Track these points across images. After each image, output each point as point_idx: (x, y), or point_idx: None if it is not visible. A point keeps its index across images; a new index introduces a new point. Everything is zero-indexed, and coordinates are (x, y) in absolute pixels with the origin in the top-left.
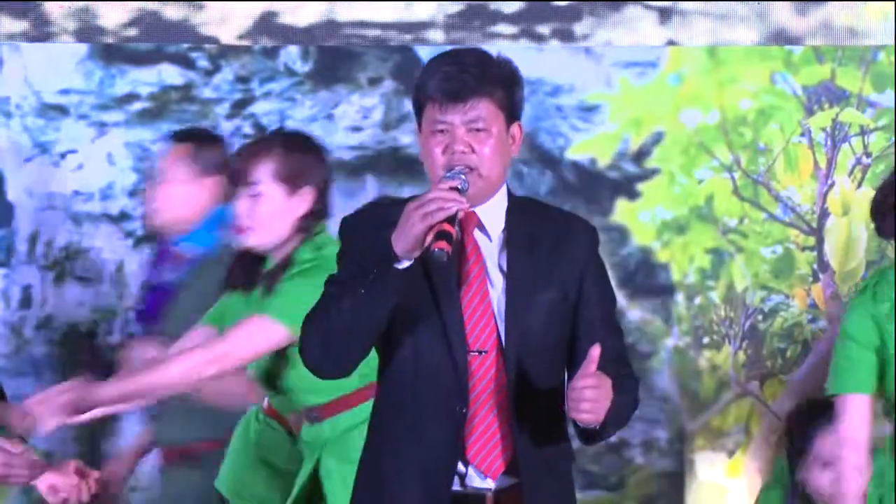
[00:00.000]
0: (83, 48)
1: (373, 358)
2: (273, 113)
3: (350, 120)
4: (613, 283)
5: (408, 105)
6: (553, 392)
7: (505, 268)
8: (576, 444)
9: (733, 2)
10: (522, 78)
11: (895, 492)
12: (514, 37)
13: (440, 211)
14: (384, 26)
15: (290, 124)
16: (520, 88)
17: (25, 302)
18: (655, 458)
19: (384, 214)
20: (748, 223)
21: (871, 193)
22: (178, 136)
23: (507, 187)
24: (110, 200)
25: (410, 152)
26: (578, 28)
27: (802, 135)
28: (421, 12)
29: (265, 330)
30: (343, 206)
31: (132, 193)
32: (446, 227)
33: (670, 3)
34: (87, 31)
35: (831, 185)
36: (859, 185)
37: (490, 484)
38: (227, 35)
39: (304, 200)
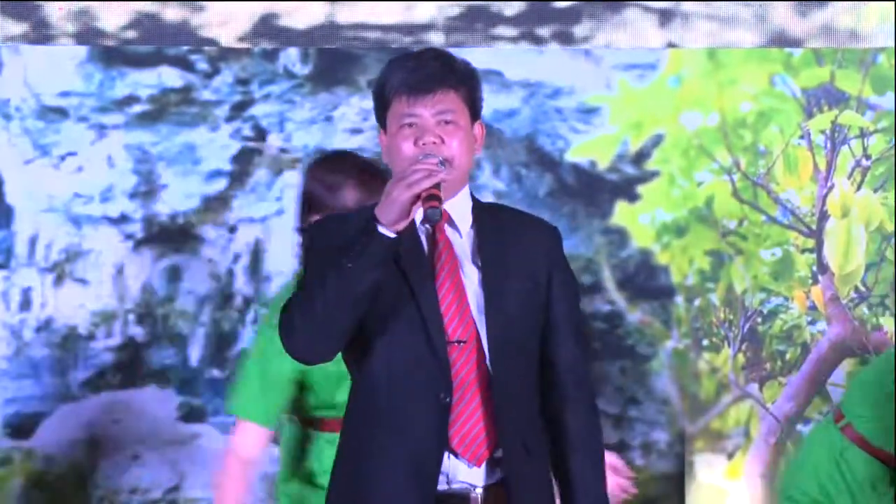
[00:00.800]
0: (83, 50)
1: None
2: (273, 115)
3: (350, 122)
4: (613, 285)
5: None
6: (530, 382)
7: (479, 261)
8: None
9: (733, 3)
10: (480, 80)
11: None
12: (514, 39)
13: (426, 179)
14: (384, 28)
15: (290, 127)
16: (480, 87)
17: (25, 304)
18: (655, 459)
19: (350, 219)
20: (748, 225)
21: (871, 196)
22: None
23: (469, 189)
24: (110, 203)
25: None
26: (578, 30)
27: (802, 137)
28: (421, 15)
29: None
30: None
31: (132, 196)
32: (434, 190)
33: (670, 5)
34: (87, 34)
35: (831, 188)
36: (859, 187)
37: (476, 475)
38: (227, 37)
39: None
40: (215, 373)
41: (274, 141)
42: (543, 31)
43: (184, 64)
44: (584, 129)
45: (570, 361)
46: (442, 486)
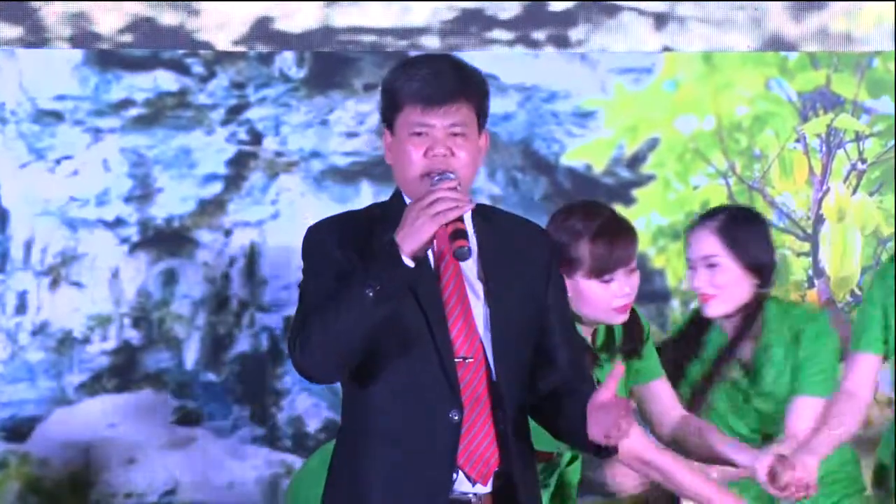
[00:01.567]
0: (78, 54)
1: None
2: (268, 119)
3: (345, 126)
4: None
5: None
6: (526, 398)
7: (482, 274)
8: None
9: (729, 7)
10: (489, 89)
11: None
12: (509, 43)
13: (452, 210)
14: (380, 32)
15: (286, 130)
16: (489, 97)
17: (21, 308)
18: None
19: (348, 224)
20: None
21: (867, 199)
22: None
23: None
24: (106, 206)
25: None
26: (574, 34)
27: (797, 141)
28: (417, 18)
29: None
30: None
31: (128, 199)
32: (460, 225)
33: (666, 9)
34: (83, 37)
35: (826, 191)
36: (854, 191)
37: (479, 487)
38: (223, 41)
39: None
40: (211, 376)
41: (269, 144)
42: (539, 35)
43: (179, 67)
44: (579, 133)
45: (571, 358)
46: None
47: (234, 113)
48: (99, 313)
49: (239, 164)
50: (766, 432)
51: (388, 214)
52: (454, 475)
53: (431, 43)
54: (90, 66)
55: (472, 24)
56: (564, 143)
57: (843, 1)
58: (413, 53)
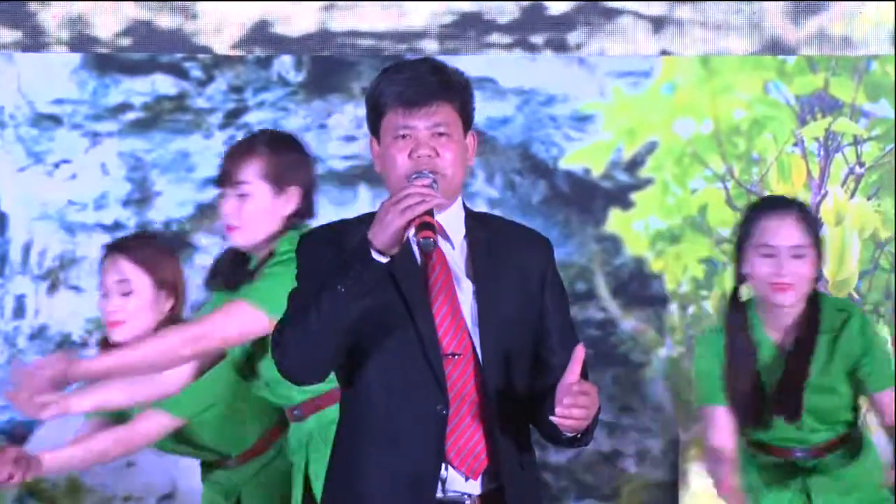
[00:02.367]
0: (77, 58)
1: None
2: (266, 122)
3: (343, 129)
4: (606, 292)
5: None
6: (523, 397)
7: (472, 273)
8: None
9: (727, 11)
10: (473, 91)
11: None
12: (507, 46)
13: (420, 204)
14: (378, 36)
15: None
16: (473, 98)
17: (19, 311)
18: (649, 467)
19: (341, 232)
20: None
21: (864, 203)
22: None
23: (461, 199)
24: (104, 210)
25: None
26: (572, 38)
27: (796, 144)
28: (415, 22)
29: (243, 314)
30: (336, 215)
31: (126, 203)
32: (427, 218)
33: (664, 12)
34: (81, 41)
35: (824, 195)
36: (852, 194)
37: (472, 486)
38: (221, 45)
39: (290, 200)
40: None
41: None
42: (537, 39)
43: (178, 71)
44: (577, 137)
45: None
46: (437, 494)
47: (233, 117)
48: (97, 317)
49: None
50: (823, 430)
51: None
52: (443, 469)
53: (429, 46)
54: (88, 70)
55: (471, 27)
56: (563, 147)
57: (842, 1)
58: (411, 57)
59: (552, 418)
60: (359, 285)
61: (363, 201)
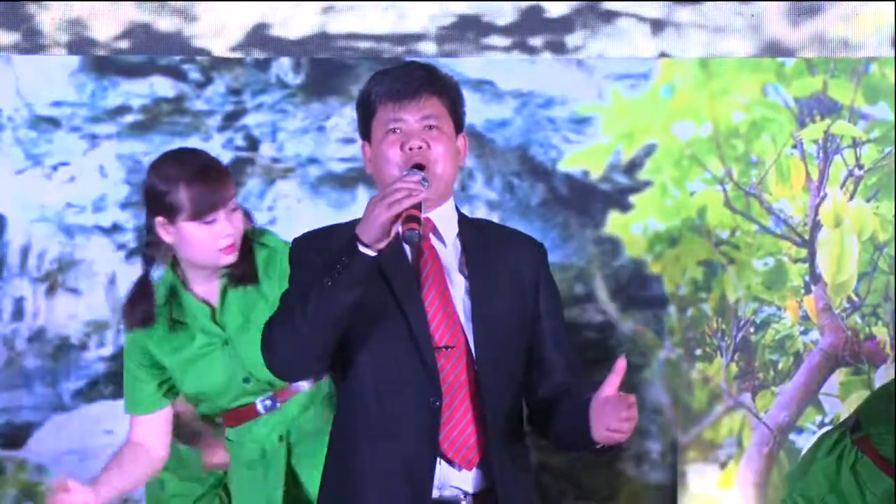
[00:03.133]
0: (75, 60)
1: None
2: (265, 125)
3: (342, 132)
4: (605, 294)
5: None
6: (516, 392)
7: (465, 271)
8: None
9: (726, 13)
10: (463, 94)
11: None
12: (506, 48)
13: (407, 198)
14: (376, 38)
15: (282, 136)
16: (463, 101)
17: (17, 314)
18: (647, 470)
19: (333, 234)
20: (740, 235)
21: (863, 205)
22: None
23: (454, 201)
24: (102, 212)
25: None
26: (570, 40)
27: (794, 147)
28: (413, 24)
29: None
30: (335, 218)
31: (124, 206)
32: (413, 211)
33: (662, 15)
34: (79, 43)
35: (823, 198)
36: (851, 197)
37: (466, 480)
38: (219, 47)
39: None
40: None
41: (266, 151)
42: (536, 41)
43: (176, 74)
44: (576, 139)
45: (567, 362)
46: (433, 493)
47: (231, 119)
48: (96, 319)
49: (236, 171)
50: None
51: None
52: (437, 460)
53: (428, 49)
54: (87, 73)
55: (469, 30)
56: (561, 149)
57: (841, 1)
58: (410, 59)
59: (599, 435)
60: (345, 278)
61: (362, 203)
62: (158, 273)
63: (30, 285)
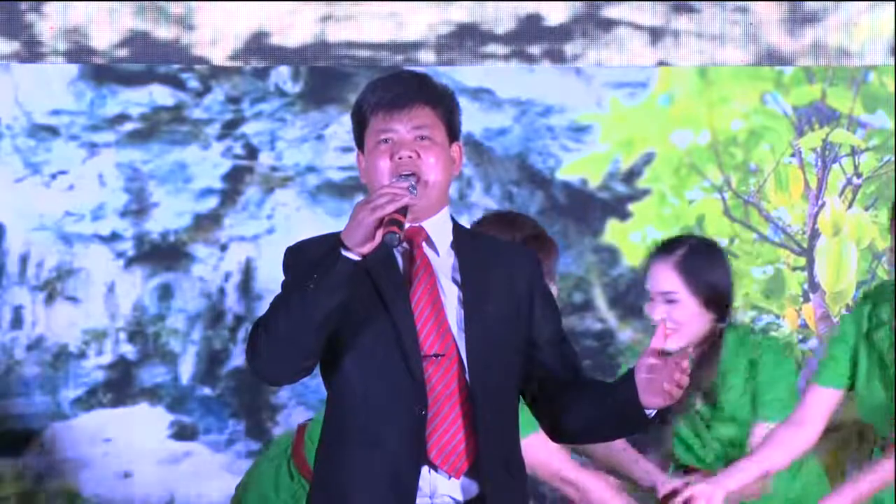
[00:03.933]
0: (74, 69)
1: None
2: (264, 133)
3: (340, 140)
4: (604, 303)
5: None
6: (510, 404)
7: (458, 279)
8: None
9: (725, 18)
10: (458, 103)
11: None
12: (505, 57)
13: (390, 203)
14: (375, 47)
15: (281, 145)
16: (458, 109)
17: (16, 322)
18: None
19: (326, 243)
20: (739, 244)
21: (862, 214)
22: None
23: (449, 211)
24: (101, 221)
25: None
26: (569, 48)
27: (793, 155)
28: (412, 33)
29: None
30: (334, 226)
31: (123, 214)
32: (397, 216)
33: (661, 23)
34: (78, 52)
35: (822, 206)
36: (850, 205)
37: (455, 488)
38: (218, 56)
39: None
40: (206, 391)
41: (265, 159)
42: (534, 49)
43: (175, 82)
44: (575, 148)
45: (571, 363)
46: (423, 502)
47: (230, 127)
48: (94, 328)
49: (234, 179)
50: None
51: None
52: (427, 470)
53: (427, 58)
54: (86, 81)
55: (468, 38)
56: (560, 158)
57: (842, 1)
58: (408, 68)
59: (651, 400)
60: (327, 282)
61: None
62: None
63: (29, 294)
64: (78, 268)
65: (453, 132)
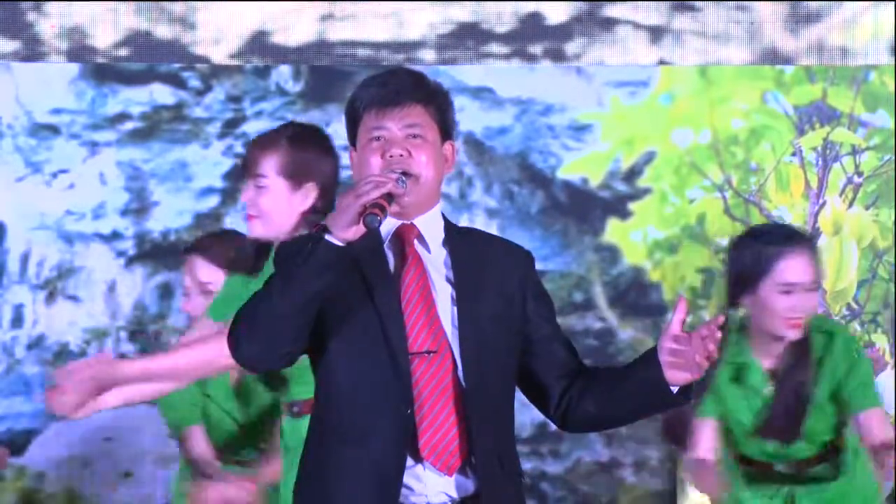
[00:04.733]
0: (75, 68)
1: None
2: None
3: (341, 139)
4: (604, 302)
5: None
6: (504, 401)
7: (451, 277)
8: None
9: (726, 17)
10: (453, 101)
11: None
12: (505, 56)
13: (375, 189)
14: (376, 46)
15: None
16: (451, 108)
17: (17, 321)
18: (647, 477)
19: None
20: None
21: (863, 213)
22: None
23: (441, 209)
24: (102, 220)
25: None
26: (570, 47)
27: (794, 154)
28: (413, 32)
29: None
30: None
31: (124, 213)
32: (381, 200)
33: (662, 22)
34: (79, 51)
35: (822, 205)
36: (850, 204)
37: (449, 484)
38: (219, 55)
39: (307, 196)
40: None
41: None
42: (535, 49)
43: (176, 81)
44: (575, 147)
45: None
46: (419, 500)
47: (231, 126)
48: (95, 327)
49: (235, 178)
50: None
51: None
52: (420, 467)
53: (427, 56)
54: (86, 80)
55: (469, 38)
56: (561, 157)
57: (843, 0)
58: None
59: (678, 376)
60: (310, 265)
61: None
62: None
63: (29, 292)
64: (79, 266)
65: (446, 131)
